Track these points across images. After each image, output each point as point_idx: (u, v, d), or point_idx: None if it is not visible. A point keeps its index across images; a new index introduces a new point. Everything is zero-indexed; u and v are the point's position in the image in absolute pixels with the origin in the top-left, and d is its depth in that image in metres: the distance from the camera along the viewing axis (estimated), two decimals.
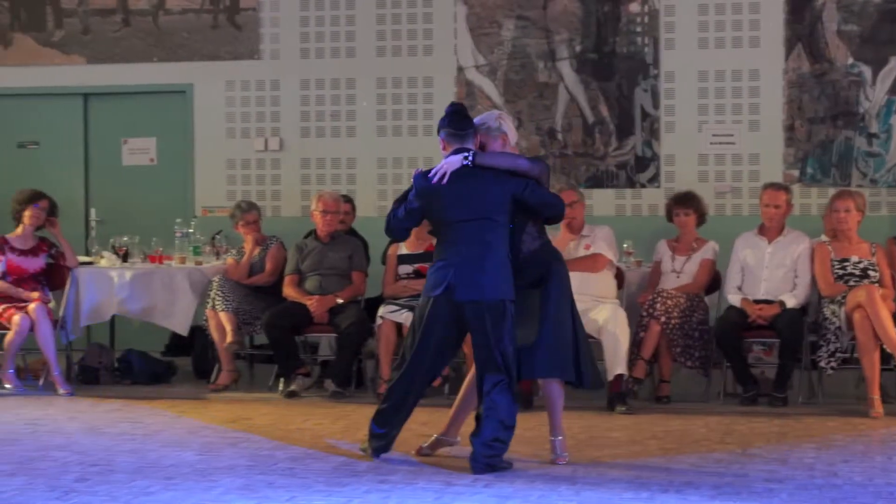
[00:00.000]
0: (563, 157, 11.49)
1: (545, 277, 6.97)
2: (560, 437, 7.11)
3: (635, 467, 6.96)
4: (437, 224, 7.00)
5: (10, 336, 9.64)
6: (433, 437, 7.26)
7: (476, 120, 7.04)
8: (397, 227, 7.06)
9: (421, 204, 6.91)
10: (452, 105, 7.03)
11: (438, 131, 7.00)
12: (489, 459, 6.80)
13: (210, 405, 9.12)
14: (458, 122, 6.92)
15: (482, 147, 6.98)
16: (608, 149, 11.43)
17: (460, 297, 6.78)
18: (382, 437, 7.02)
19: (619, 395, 8.80)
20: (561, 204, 7.03)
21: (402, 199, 7.02)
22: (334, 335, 9.62)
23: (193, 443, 7.63)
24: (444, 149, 6.95)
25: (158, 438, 7.79)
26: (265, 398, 9.41)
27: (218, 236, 10.72)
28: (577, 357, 7.06)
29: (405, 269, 9.63)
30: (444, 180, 6.80)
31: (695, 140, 11.34)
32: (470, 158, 6.79)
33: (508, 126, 7.07)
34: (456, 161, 6.81)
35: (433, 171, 6.85)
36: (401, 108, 11.68)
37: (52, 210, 10.15)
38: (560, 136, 11.49)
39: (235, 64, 11.99)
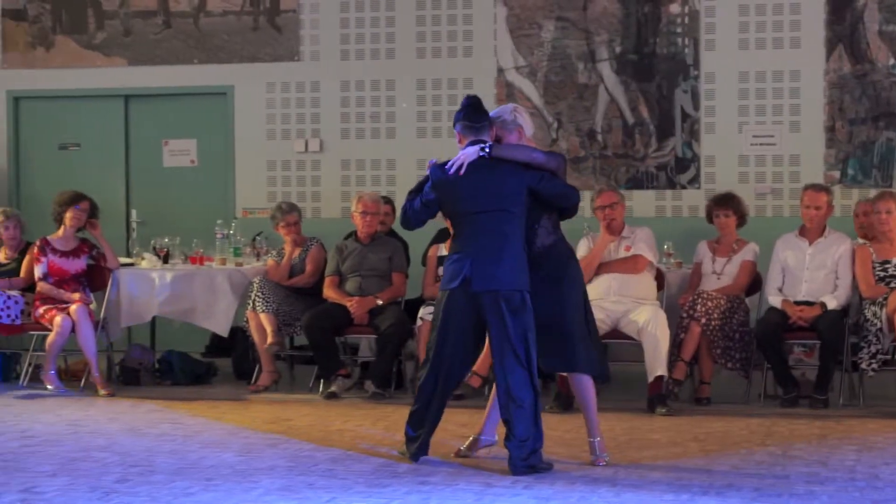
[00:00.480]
0: (603, 158, 11.47)
1: (560, 277, 6.95)
2: (598, 438, 7.09)
3: (676, 469, 6.94)
4: (453, 216, 7.03)
5: (51, 337, 9.71)
6: (471, 438, 7.26)
7: (492, 113, 7.05)
8: (414, 219, 7.05)
9: (437, 195, 6.93)
10: (468, 98, 7.03)
11: (454, 124, 7.03)
12: (527, 460, 6.78)
13: (250, 406, 9.14)
14: (473, 114, 6.94)
15: (498, 140, 6.99)
16: (648, 150, 11.40)
17: (477, 287, 6.76)
18: (415, 439, 7.01)
19: (659, 397, 8.78)
20: (576, 195, 7.04)
21: (416, 191, 7.06)
22: (374, 336, 9.63)
23: (233, 444, 7.65)
24: (459, 141, 6.97)
25: (199, 439, 7.82)
26: (305, 399, 9.42)
27: (258, 237, 10.76)
28: (592, 350, 7.07)
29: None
30: (462, 171, 6.81)
31: (735, 141, 11.29)
32: (487, 150, 6.80)
33: (524, 119, 7.08)
34: (473, 152, 6.82)
35: (450, 163, 6.86)
36: (440, 109, 11.68)
37: (93, 211, 10.21)
38: (600, 138, 11.46)
39: (276, 66, 12.03)
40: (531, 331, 6.81)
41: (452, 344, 6.91)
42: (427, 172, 7.03)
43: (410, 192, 7.08)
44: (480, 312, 6.82)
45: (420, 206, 6.98)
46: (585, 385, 7.09)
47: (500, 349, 6.81)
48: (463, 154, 6.85)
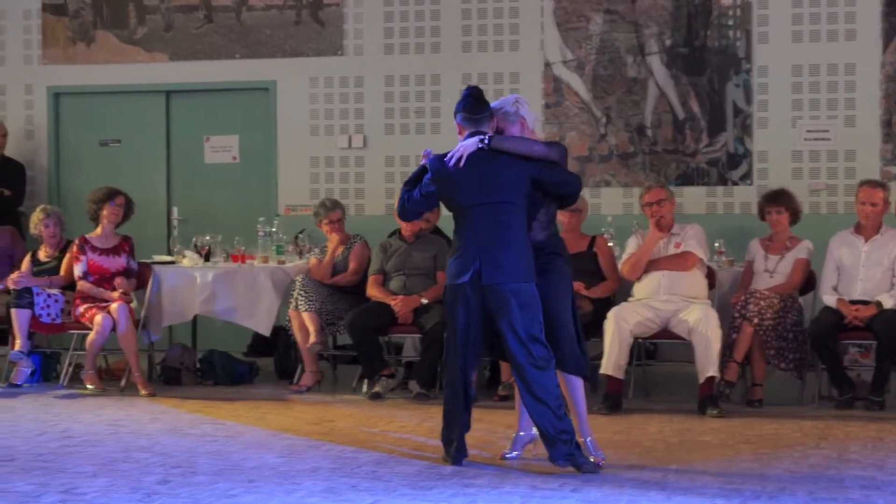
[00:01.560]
0: (653, 154, 11.43)
1: (548, 274, 6.95)
2: (590, 438, 7.08)
3: (727, 472, 6.90)
4: (454, 209, 7.03)
5: (91, 336, 9.76)
6: (512, 437, 7.23)
7: (493, 104, 7.08)
8: (412, 211, 7.17)
9: (437, 188, 6.97)
10: (469, 88, 7.08)
11: (455, 115, 7.06)
12: (564, 448, 6.76)
13: (293, 407, 9.17)
14: (473, 105, 6.98)
15: (499, 132, 7.02)
16: (699, 145, 11.34)
17: (487, 280, 6.79)
18: (451, 442, 7.00)
19: (710, 398, 8.74)
20: (578, 182, 7.07)
21: (412, 181, 7.10)
22: (419, 336, 9.63)
23: (276, 445, 7.67)
24: (459, 133, 7.02)
25: (240, 440, 7.85)
26: (348, 400, 9.44)
27: (301, 235, 10.78)
28: (580, 350, 7.07)
29: None
30: (461, 164, 6.85)
31: (788, 136, 11.22)
32: (486, 142, 6.84)
33: (526, 110, 7.11)
34: (472, 144, 6.85)
35: (449, 155, 6.90)
36: None
37: (129, 207, 10.25)
38: (649, 133, 11.42)
39: (318, 60, 12.05)
40: (541, 324, 6.82)
41: (464, 341, 6.92)
42: (423, 162, 7.08)
43: (406, 183, 7.13)
44: (489, 306, 6.84)
45: (420, 197, 7.03)
46: (574, 384, 7.07)
47: (511, 344, 6.81)
48: (462, 146, 6.89)
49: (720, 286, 9.58)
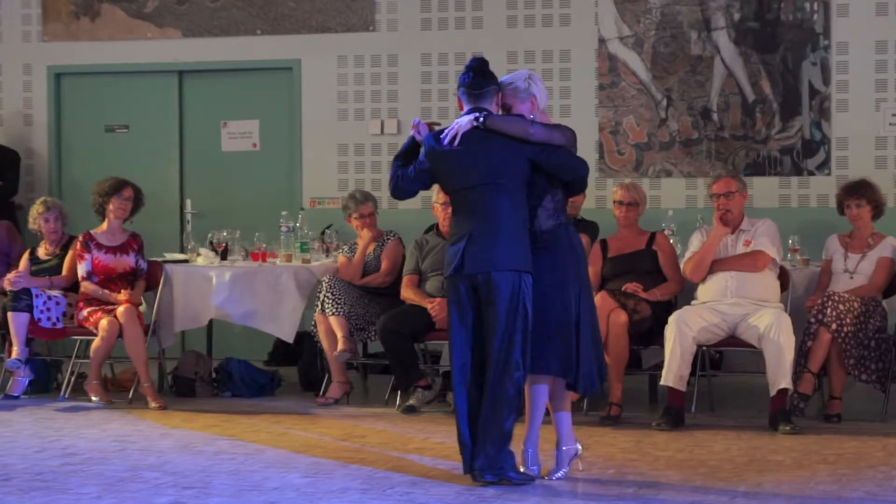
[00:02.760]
0: (720, 140, 11.41)
1: (553, 269, 7.02)
2: (532, 450, 7.15)
3: (802, 495, 6.89)
4: (448, 191, 7.21)
5: (96, 342, 9.81)
6: (554, 455, 7.25)
7: (504, 79, 7.18)
8: (406, 188, 7.24)
9: (431, 166, 7.11)
10: (473, 60, 7.15)
11: (458, 89, 7.14)
12: (494, 470, 6.87)
13: (318, 421, 9.20)
14: (475, 79, 7.06)
15: (507, 109, 7.12)
16: (771, 131, 11.31)
17: (469, 269, 6.93)
18: (468, 452, 7.05)
19: (783, 413, 8.72)
20: (583, 168, 7.12)
21: (402, 155, 7.22)
22: None
23: (300, 463, 7.71)
24: (460, 108, 7.14)
25: (260, 458, 7.88)
26: (380, 413, 9.46)
27: (328, 231, 10.82)
28: (576, 357, 7.05)
29: None
30: (456, 142, 6.95)
31: (871, 120, 11.18)
32: (481, 119, 6.92)
33: (539, 88, 7.20)
34: (466, 122, 6.96)
35: (444, 133, 7.01)
36: None
37: (139, 200, 10.30)
38: (715, 117, 11.40)
39: (348, 37, 12.09)
40: (527, 319, 6.90)
41: (463, 338, 7.03)
42: (412, 133, 7.20)
43: (396, 157, 7.24)
44: (480, 297, 6.97)
45: (414, 174, 7.17)
46: (539, 391, 7.10)
47: (493, 339, 6.91)
48: (457, 124, 7.00)
49: (794, 288, 9.55)
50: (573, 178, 7.12)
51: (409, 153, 7.22)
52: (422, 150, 7.16)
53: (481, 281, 6.93)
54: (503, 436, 6.91)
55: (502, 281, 6.90)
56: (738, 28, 11.34)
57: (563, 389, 7.16)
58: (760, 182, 11.28)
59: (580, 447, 7.23)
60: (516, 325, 6.90)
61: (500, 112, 7.13)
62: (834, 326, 8.96)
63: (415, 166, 7.15)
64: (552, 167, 7.01)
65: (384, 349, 9.76)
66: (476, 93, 7.05)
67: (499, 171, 6.95)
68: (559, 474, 7.18)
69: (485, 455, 6.92)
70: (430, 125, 7.26)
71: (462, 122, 6.97)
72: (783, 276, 9.41)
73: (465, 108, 7.08)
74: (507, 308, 6.89)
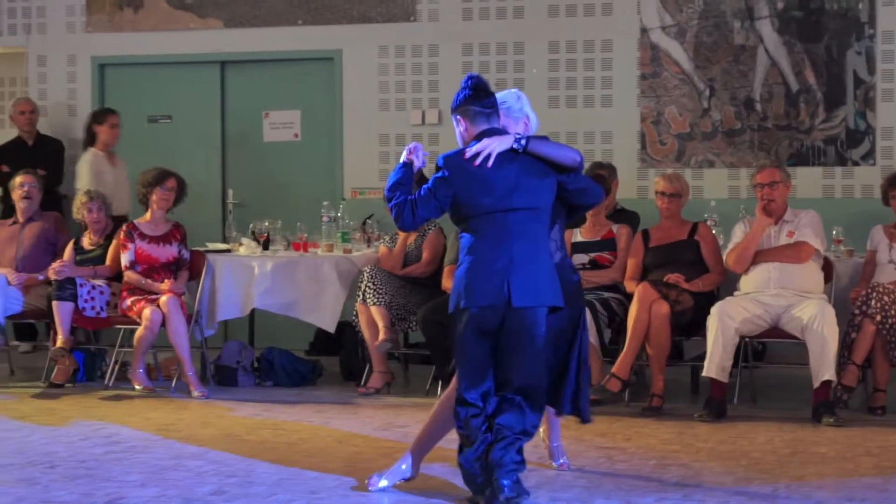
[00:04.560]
0: (763, 130, 11.35)
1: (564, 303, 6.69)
2: (556, 443, 7.23)
3: (846, 488, 6.85)
4: (473, 214, 6.50)
5: (140, 332, 9.85)
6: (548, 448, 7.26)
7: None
8: (422, 217, 6.56)
9: (455, 190, 6.47)
10: (470, 77, 6.68)
11: (456, 108, 6.64)
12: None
13: (359, 411, 9.21)
14: (480, 97, 6.58)
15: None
16: (815, 121, 11.25)
17: (520, 303, 6.40)
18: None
19: (826, 405, 8.68)
20: (601, 193, 6.83)
21: (402, 185, 6.62)
22: None
23: (341, 453, 7.72)
24: (465, 129, 6.62)
25: (302, 447, 7.90)
26: (421, 403, 9.45)
27: (369, 221, 10.83)
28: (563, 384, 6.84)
29: (580, 258, 9.61)
30: (490, 163, 6.42)
31: None
32: (523, 143, 6.47)
33: (529, 108, 6.87)
34: (503, 142, 6.46)
35: (472, 152, 6.46)
36: (575, 75, 11.66)
37: (182, 190, 10.33)
38: (759, 107, 11.34)
39: (389, 27, 12.09)
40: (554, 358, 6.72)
41: (481, 362, 6.51)
42: (408, 159, 6.66)
43: (396, 187, 6.61)
44: (512, 327, 6.44)
45: (428, 198, 6.51)
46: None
47: (522, 376, 6.46)
48: (488, 143, 6.46)
49: (838, 279, 9.51)
50: (591, 203, 6.84)
51: (406, 181, 6.64)
52: (435, 172, 6.58)
53: (528, 315, 6.43)
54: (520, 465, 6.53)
55: (543, 315, 6.50)
56: (782, 17, 11.28)
57: None
58: (804, 172, 11.22)
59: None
60: (549, 362, 6.63)
61: None
62: (878, 318, 8.91)
63: (430, 189, 6.52)
64: (576, 191, 6.63)
65: (425, 339, 9.77)
66: (488, 111, 6.56)
67: (536, 193, 6.51)
68: (562, 462, 7.23)
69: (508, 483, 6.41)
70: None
71: (495, 141, 6.46)
72: (827, 268, 9.36)
73: (477, 128, 6.56)
74: (541, 342, 6.48)
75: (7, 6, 12.83)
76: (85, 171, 11.44)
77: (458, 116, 6.66)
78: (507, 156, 6.47)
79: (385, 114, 12.12)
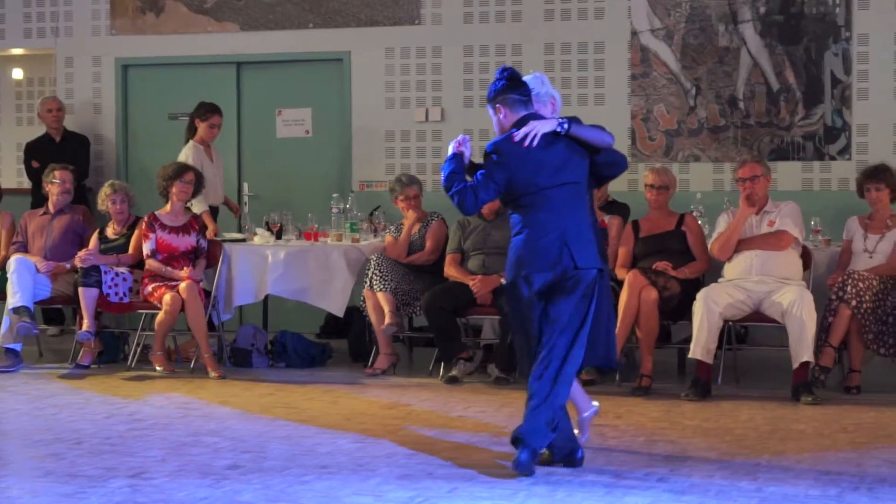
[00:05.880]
0: (746, 127, 11.33)
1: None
2: (587, 414, 7.12)
3: (823, 462, 6.85)
4: (528, 192, 6.66)
5: (160, 316, 9.85)
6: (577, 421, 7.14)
7: None
8: (481, 198, 6.66)
9: (510, 171, 6.62)
10: (505, 69, 6.85)
11: (494, 98, 6.78)
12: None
13: (367, 390, 9.21)
14: (517, 86, 6.77)
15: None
16: (794, 118, 11.23)
17: (585, 264, 6.62)
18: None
19: (805, 385, 8.67)
20: (625, 163, 6.96)
21: (460, 173, 6.74)
22: (498, 317, 9.62)
23: (350, 429, 7.71)
24: (504, 117, 6.76)
25: (313, 425, 7.90)
26: (425, 383, 9.46)
27: (376, 212, 10.82)
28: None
29: None
30: (535, 143, 6.59)
31: (891, 108, 11.07)
32: (566, 126, 6.64)
33: (552, 89, 7.06)
34: (546, 126, 6.62)
35: (519, 135, 6.62)
36: (570, 75, 11.63)
37: (199, 183, 10.33)
38: (742, 105, 11.32)
39: (395, 30, 12.06)
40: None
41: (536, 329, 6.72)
42: (458, 150, 6.77)
43: (454, 176, 6.70)
44: (565, 291, 6.62)
45: (486, 182, 6.65)
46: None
47: (582, 335, 6.65)
48: (533, 126, 6.62)
49: (816, 267, 9.49)
50: (617, 174, 6.98)
51: (461, 170, 6.77)
52: (487, 159, 6.70)
53: (589, 276, 6.63)
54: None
55: (592, 277, 6.66)
56: (764, 21, 11.25)
57: None
58: (784, 167, 11.20)
59: (596, 404, 7.17)
60: (587, 319, 6.67)
61: None
62: (854, 303, 8.90)
63: (486, 174, 6.66)
64: (605, 164, 6.81)
65: (428, 323, 9.75)
66: (526, 99, 6.75)
67: (576, 169, 6.70)
68: (584, 439, 7.05)
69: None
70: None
71: (540, 124, 6.64)
72: (806, 256, 9.35)
73: (517, 115, 6.72)
74: (581, 302, 6.63)
75: (36, 10, 12.81)
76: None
77: (498, 105, 6.81)
78: (551, 137, 6.65)
79: (391, 111, 12.10)
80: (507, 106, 6.77)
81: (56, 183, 10.72)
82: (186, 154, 10.94)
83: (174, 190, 10.20)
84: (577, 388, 7.02)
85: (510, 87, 6.77)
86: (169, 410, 8.39)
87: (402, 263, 10.02)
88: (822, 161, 11.20)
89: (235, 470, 6.65)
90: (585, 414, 7.13)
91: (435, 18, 11.99)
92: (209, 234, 10.45)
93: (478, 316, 9.88)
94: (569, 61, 11.67)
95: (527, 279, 6.63)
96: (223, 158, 11.80)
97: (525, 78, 6.95)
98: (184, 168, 10.29)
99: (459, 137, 6.87)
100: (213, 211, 11.00)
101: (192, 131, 11.19)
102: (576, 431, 6.89)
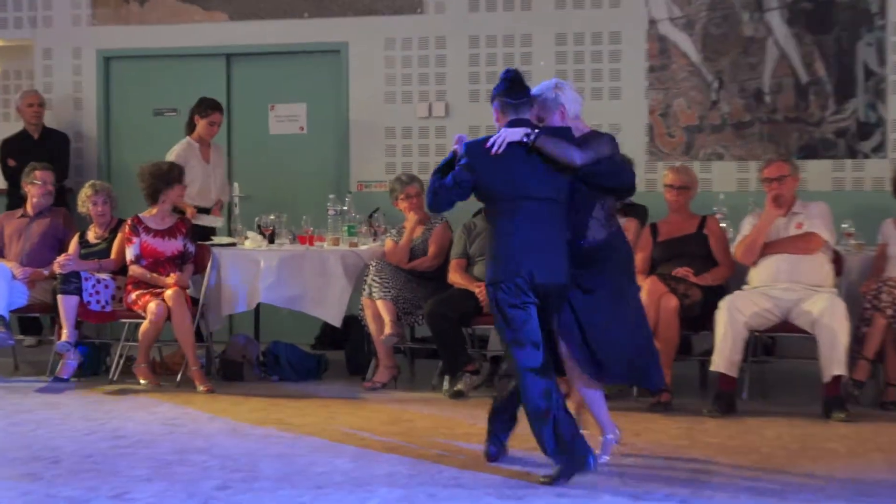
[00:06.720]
0: (772, 123, 11.32)
1: (607, 282, 7.10)
2: (611, 435, 7.30)
3: (856, 483, 6.83)
4: (493, 200, 7.06)
5: (145, 326, 9.85)
6: (600, 441, 7.28)
7: (534, 90, 7.17)
8: (445, 200, 7.09)
9: (476, 176, 7.00)
10: (508, 71, 7.17)
11: (491, 99, 7.16)
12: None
13: (365, 405, 9.20)
14: (513, 89, 7.07)
15: (540, 121, 7.13)
16: (825, 113, 11.22)
17: (543, 279, 6.91)
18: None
19: (836, 400, 8.65)
20: (624, 176, 7.18)
21: (442, 169, 7.16)
22: None
23: (347, 448, 7.71)
24: (497, 119, 7.13)
25: (308, 442, 7.89)
26: (428, 398, 9.46)
27: (375, 214, 10.81)
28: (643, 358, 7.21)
29: None
30: (500, 150, 6.93)
31: None
32: (531, 137, 6.92)
33: (568, 96, 7.19)
34: (516, 133, 6.95)
35: (491, 141, 6.98)
36: (583, 67, 11.63)
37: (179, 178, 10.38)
38: (768, 99, 11.31)
39: (395, 19, 12.07)
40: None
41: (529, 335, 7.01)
42: (455, 148, 7.16)
43: (436, 171, 7.19)
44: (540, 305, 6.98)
45: (452, 184, 7.03)
46: (593, 396, 7.26)
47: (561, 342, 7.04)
48: (505, 132, 6.98)
49: (848, 273, 9.48)
50: (618, 186, 7.17)
51: (449, 167, 7.17)
52: (461, 160, 7.12)
53: (552, 291, 6.97)
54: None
55: (564, 293, 7.01)
56: (792, 8, 11.24)
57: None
58: (814, 165, 11.19)
59: (618, 433, 7.33)
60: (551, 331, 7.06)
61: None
62: (889, 312, 8.88)
63: (454, 176, 7.05)
64: (590, 175, 7.03)
65: (432, 333, 9.74)
66: (516, 102, 7.07)
67: (546, 183, 6.95)
68: (603, 459, 7.17)
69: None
70: None
71: (511, 132, 6.97)
72: (837, 261, 9.33)
73: (506, 119, 7.08)
74: (559, 318, 7.05)
75: None
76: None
77: (495, 105, 7.16)
78: (523, 148, 6.96)
79: (391, 107, 12.10)
80: (499, 109, 7.12)
81: (37, 184, 10.72)
82: (172, 153, 10.93)
83: (172, 194, 10.19)
84: (603, 409, 7.25)
85: (505, 89, 7.09)
86: (154, 427, 8.38)
87: (404, 269, 10.02)
88: (855, 159, 11.19)
89: (225, 490, 6.64)
90: (609, 436, 7.26)
91: (438, 7, 11.99)
92: (188, 214, 10.49)
93: (484, 325, 9.86)
94: (582, 52, 11.66)
95: (495, 285, 6.94)
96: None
97: (541, 84, 7.24)
98: (179, 169, 10.30)
99: (457, 136, 7.21)
100: (205, 212, 10.98)
101: (190, 127, 11.19)
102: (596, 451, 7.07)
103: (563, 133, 7.03)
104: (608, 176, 7.07)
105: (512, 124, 7.01)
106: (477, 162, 6.99)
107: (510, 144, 6.93)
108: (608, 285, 7.09)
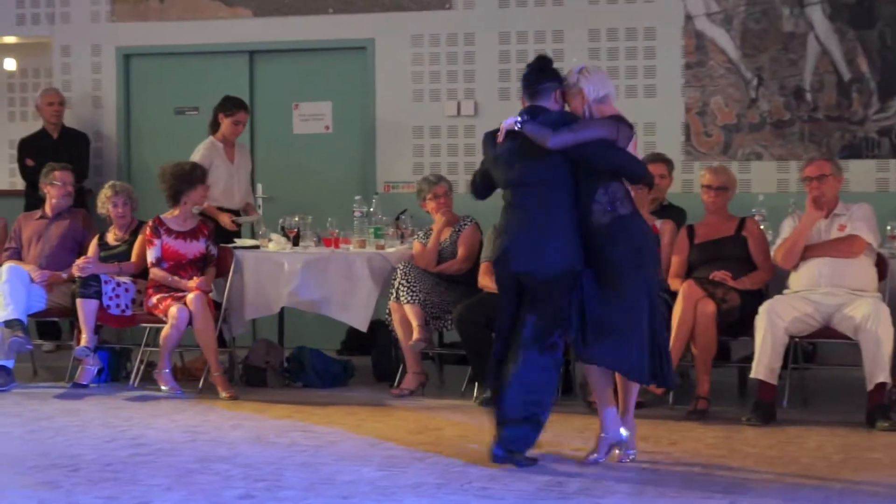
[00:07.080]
0: (813, 121, 11.28)
1: (614, 269, 7.24)
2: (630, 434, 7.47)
3: None
4: (501, 186, 7.50)
5: (166, 330, 9.86)
6: (596, 439, 7.48)
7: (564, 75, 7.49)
8: (478, 188, 7.67)
9: (486, 164, 7.56)
10: (536, 58, 7.51)
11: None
12: (510, 444, 7.30)
13: (393, 413, 9.20)
14: (530, 76, 7.45)
15: (563, 105, 7.43)
16: (868, 111, 11.18)
17: (516, 267, 7.28)
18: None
19: (881, 409, 8.61)
20: (622, 156, 7.29)
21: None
22: None
23: (374, 456, 7.70)
24: (523, 105, 7.50)
25: (333, 451, 7.89)
26: (457, 405, 9.45)
27: (403, 216, 10.80)
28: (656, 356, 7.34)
29: None
30: (500, 138, 7.36)
31: None
32: (520, 124, 7.26)
33: (590, 80, 7.41)
34: (511, 122, 7.32)
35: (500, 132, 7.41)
36: (617, 64, 11.60)
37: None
38: (809, 97, 11.27)
39: (423, 15, 12.07)
40: (577, 312, 7.23)
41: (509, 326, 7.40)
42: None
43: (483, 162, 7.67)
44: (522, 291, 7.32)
45: (480, 174, 7.62)
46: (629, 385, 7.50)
47: (529, 327, 7.24)
48: (506, 121, 7.37)
49: (893, 277, 9.43)
50: (612, 167, 7.26)
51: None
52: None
53: (527, 278, 7.26)
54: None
55: (553, 279, 7.21)
56: (833, 3, 11.20)
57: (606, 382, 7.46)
58: (857, 165, 11.14)
59: (624, 436, 7.45)
60: (561, 319, 7.26)
61: (564, 108, 7.40)
62: None
63: (481, 166, 7.62)
64: (583, 158, 7.22)
65: (461, 338, 9.73)
66: (534, 90, 7.40)
67: (543, 168, 7.24)
68: (595, 458, 7.41)
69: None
70: None
71: (507, 121, 7.35)
72: (881, 265, 9.28)
73: (526, 105, 7.42)
74: (557, 302, 7.24)
75: None
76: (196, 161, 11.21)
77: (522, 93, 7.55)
78: (514, 134, 7.32)
79: (419, 105, 12.10)
80: (523, 96, 7.52)
81: (56, 185, 10.75)
82: (199, 151, 10.95)
83: (194, 195, 10.20)
84: (607, 405, 7.44)
85: (526, 76, 7.47)
86: (175, 434, 8.39)
87: (432, 273, 10.01)
88: None
89: (248, 500, 6.64)
90: (604, 435, 7.43)
91: (467, 2, 11.99)
92: (224, 222, 10.54)
93: None
94: (616, 49, 11.64)
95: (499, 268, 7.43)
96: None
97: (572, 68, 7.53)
98: (202, 169, 10.32)
99: (504, 122, 7.43)
100: (233, 213, 11.01)
101: (214, 127, 11.20)
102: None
103: (562, 118, 7.27)
104: (594, 158, 7.21)
105: (528, 111, 7.31)
106: (487, 151, 7.51)
107: (508, 132, 7.28)
108: (608, 269, 7.22)
